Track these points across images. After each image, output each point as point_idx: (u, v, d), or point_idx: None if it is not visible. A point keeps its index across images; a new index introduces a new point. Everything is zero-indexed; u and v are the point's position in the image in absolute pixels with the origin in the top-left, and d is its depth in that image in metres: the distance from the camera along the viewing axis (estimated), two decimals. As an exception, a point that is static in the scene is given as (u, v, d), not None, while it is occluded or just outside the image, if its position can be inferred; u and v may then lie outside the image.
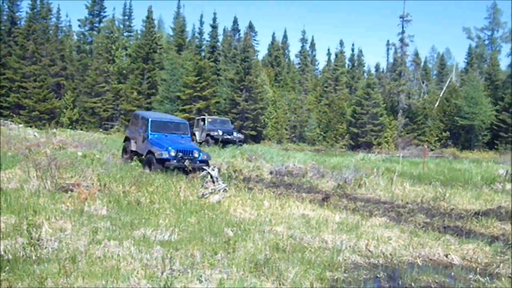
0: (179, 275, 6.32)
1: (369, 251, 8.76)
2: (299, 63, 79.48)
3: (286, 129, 55.06)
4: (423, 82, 67.54)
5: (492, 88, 62.21)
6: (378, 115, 54.56)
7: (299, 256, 7.76)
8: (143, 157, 18.44)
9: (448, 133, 57.17)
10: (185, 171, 16.93)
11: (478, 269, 8.14)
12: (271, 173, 20.18)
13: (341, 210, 12.21)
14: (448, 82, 68.22)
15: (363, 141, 52.60)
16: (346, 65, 73.40)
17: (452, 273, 7.90)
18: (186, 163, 16.94)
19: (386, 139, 54.56)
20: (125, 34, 64.40)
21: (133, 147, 20.08)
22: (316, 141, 53.68)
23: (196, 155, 18.11)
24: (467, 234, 10.76)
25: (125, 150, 21.03)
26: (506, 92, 58.28)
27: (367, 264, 8.20)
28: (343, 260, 8.11)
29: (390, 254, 8.70)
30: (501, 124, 56.43)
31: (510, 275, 7.80)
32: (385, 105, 57.71)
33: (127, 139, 21.21)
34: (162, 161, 17.33)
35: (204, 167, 15.78)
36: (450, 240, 9.77)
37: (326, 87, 65.16)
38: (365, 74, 75.15)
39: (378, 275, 7.61)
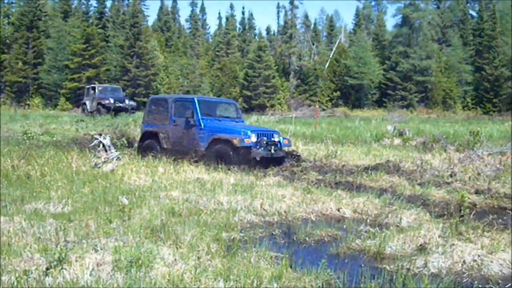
0: (73, 246, 6.20)
1: (264, 210, 8.95)
2: (189, 28, 78.86)
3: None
4: (313, 44, 68.84)
5: (380, 48, 64.39)
6: (270, 78, 55.24)
7: (195, 219, 7.81)
8: (194, 150, 14.23)
9: (338, 92, 58.84)
10: (272, 162, 14.08)
11: (368, 220, 8.51)
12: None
13: (235, 172, 12.35)
14: (337, 43, 69.89)
15: (257, 104, 53.16)
16: (237, 29, 73.67)
17: (344, 226, 8.21)
18: (272, 150, 14.00)
19: (279, 101, 55.45)
20: (6, 1, 61.23)
21: (164, 142, 14.91)
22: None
23: (277, 139, 14.43)
24: (358, 188, 11.17)
25: (148, 148, 15.19)
26: (392, 52, 60.57)
27: (262, 222, 8.39)
28: (239, 220, 8.26)
29: (285, 212, 8.93)
30: (388, 83, 58.71)
31: (398, 224, 8.24)
32: (277, 67, 58.50)
33: (148, 135, 15.65)
34: (244, 151, 13.51)
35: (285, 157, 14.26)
36: (342, 195, 10.12)
37: (218, 51, 65.10)
38: (256, 37, 75.71)
39: (273, 233, 7.79)
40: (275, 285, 5.48)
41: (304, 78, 59.74)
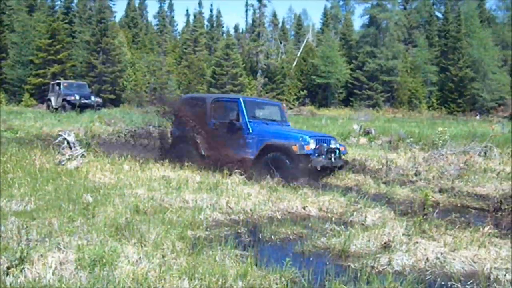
0: (36, 244, 6.11)
1: (230, 208, 8.94)
2: (157, 25, 78.46)
3: (146, 92, 54.28)
4: (281, 43, 69.02)
5: (347, 47, 64.85)
6: (238, 76, 55.24)
7: (160, 217, 7.76)
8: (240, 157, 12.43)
9: (305, 91, 59.12)
10: (332, 171, 12.85)
11: (333, 218, 8.55)
12: (131, 136, 19.90)
13: (202, 170, 12.31)
14: (305, 42, 70.18)
15: (224, 102, 53.10)
16: (205, 26, 73.53)
17: (310, 224, 8.24)
18: (332, 159, 12.50)
19: (246, 99, 55.46)
20: (-32, -6, 60.12)
21: (203, 149, 12.97)
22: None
23: (334, 145, 12.87)
24: (324, 186, 11.25)
25: (183, 155, 13.12)
26: (359, 52, 61.05)
27: (228, 220, 8.38)
28: (204, 218, 8.22)
29: (250, 210, 8.93)
30: (355, 82, 59.18)
31: (362, 222, 8.31)
32: (244, 65, 58.52)
33: (181, 140, 13.70)
34: (303, 159, 11.87)
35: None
36: (308, 193, 10.18)
37: (186, 48, 64.81)
38: (224, 35, 75.61)
39: (239, 231, 7.79)
40: (240, 283, 5.48)
41: (272, 77, 59.87)
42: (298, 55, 65.46)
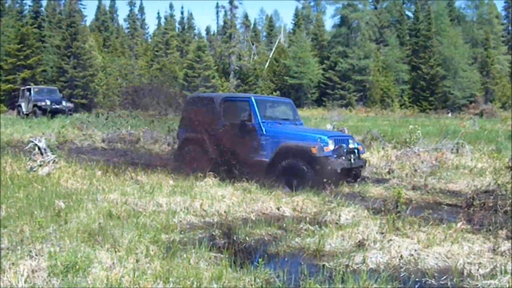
0: (7, 253, 6.03)
1: (204, 210, 8.92)
2: (128, 28, 77.94)
3: (118, 96, 53.87)
4: (253, 44, 69.14)
5: (319, 48, 65.16)
6: (210, 78, 55.23)
7: (133, 222, 7.71)
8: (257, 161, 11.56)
9: (278, 92, 59.24)
10: (351, 173, 11.94)
11: (307, 218, 8.56)
12: (103, 141, 19.81)
13: (176, 173, 12.24)
14: (276, 43, 70.37)
15: (197, 104, 53.00)
16: (177, 29, 73.29)
17: (284, 224, 8.24)
18: (352, 160, 11.56)
19: (219, 101, 55.40)
20: None
21: (212, 152, 12.18)
22: (150, 106, 53.08)
23: (352, 145, 11.96)
24: (297, 187, 11.18)
25: (191, 158, 12.46)
26: (331, 52, 61.37)
27: (202, 223, 8.35)
28: (178, 222, 8.20)
29: (225, 212, 8.92)
30: (327, 82, 59.47)
31: (337, 222, 8.34)
32: (216, 67, 58.55)
33: (190, 142, 12.79)
34: (323, 161, 10.87)
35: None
36: (281, 193, 10.18)
37: (157, 51, 64.57)
38: (195, 37, 75.45)
39: (213, 233, 7.77)
40: (214, 285, 5.47)
41: (244, 78, 59.96)
42: (270, 56, 65.60)
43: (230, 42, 62.21)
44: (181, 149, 13.03)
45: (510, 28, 74.29)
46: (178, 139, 13.70)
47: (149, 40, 79.10)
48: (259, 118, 11.85)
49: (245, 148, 11.78)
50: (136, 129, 21.80)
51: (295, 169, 10.86)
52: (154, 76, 56.93)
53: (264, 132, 11.69)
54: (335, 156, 11.15)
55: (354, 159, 11.55)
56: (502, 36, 69.55)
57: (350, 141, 12.03)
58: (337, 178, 10.94)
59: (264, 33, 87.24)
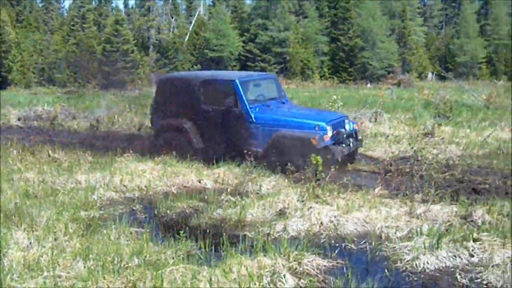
0: None
1: (124, 186, 8.82)
2: (42, 2, 75.16)
3: (34, 73, 52.16)
4: (172, 17, 68.20)
5: (238, 20, 64.86)
6: (129, 52, 54.10)
7: (51, 200, 7.55)
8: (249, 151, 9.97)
9: (199, 65, 58.71)
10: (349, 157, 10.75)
11: (229, 189, 8.58)
12: (19, 119, 19.14)
13: (95, 150, 11.98)
14: (196, 16, 69.63)
15: (116, 79, 51.85)
16: (93, 2, 71.27)
17: (205, 197, 8.25)
18: (351, 144, 10.44)
19: (139, 76, 54.42)
20: None
21: (196, 141, 10.69)
22: (67, 82, 51.72)
23: (348, 126, 10.86)
24: (218, 160, 11.01)
25: (172, 147, 10.82)
26: (251, 24, 61.25)
27: (122, 198, 8.28)
28: (98, 198, 8.10)
29: (145, 186, 8.85)
30: (248, 55, 59.45)
31: (258, 192, 8.41)
32: (135, 41, 57.40)
33: (168, 130, 11.20)
34: (323, 152, 9.41)
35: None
36: (203, 166, 10.13)
37: (73, 25, 62.56)
38: (113, 10, 73.65)
39: (134, 208, 7.72)
40: (136, 260, 5.42)
41: (164, 52, 59.11)
42: (190, 29, 64.89)
43: (149, 16, 61.08)
44: (158, 138, 11.41)
45: (426, 0, 76.31)
46: (152, 125, 12.20)
47: (65, 14, 76.73)
48: (246, 103, 10.43)
49: (233, 137, 10.51)
50: (53, 106, 21.20)
51: (293, 162, 9.27)
52: (70, 52, 55.31)
53: (254, 120, 10.33)
54: (335, 143, 10.10)
55: (352, 143, 10.52)
56: (418, 8, 71.18)
57: (346, 121, 10.95)
58: (337, 165, 9.41)
59: (184, 6, 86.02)
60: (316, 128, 9.84)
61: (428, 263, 5.60)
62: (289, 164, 9.15)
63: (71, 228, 6.40)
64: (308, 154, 8.97)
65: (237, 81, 10.60)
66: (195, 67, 57.88)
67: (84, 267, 5.22)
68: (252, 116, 10.34)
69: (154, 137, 11.70)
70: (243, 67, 58.78)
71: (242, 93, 10.47)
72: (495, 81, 42.66)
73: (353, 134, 10.77)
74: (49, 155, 11.15)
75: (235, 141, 10.44)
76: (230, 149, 10.39)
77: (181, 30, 65.25)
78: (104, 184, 8.81)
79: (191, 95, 11.00)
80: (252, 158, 9.66)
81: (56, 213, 6.78)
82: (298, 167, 9.15)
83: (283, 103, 11.58)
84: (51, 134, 15.02)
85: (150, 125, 12.54)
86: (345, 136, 10.29)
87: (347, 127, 10.71)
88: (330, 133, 9.91)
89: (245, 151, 9.95)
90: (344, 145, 10.20)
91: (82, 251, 5.54)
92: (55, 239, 5.93)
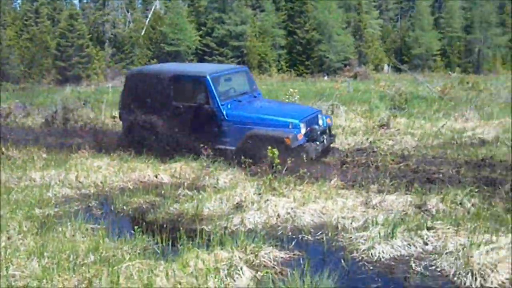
0: None
1: (80, 182, 8.75)
2: (-7, -4, 73.53)
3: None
4: (128, 11, 67.51)
5: (195, 14, 64.57)
6: (84, 47, 53.33)
7: (4, 198, 7.42)
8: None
9: (156, 60, 58.29)
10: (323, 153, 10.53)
11: (186, 184, 8.60)
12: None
13: (49, 147, 11.78)
14: (153, 10, 69.04)
15: (71, 75, 51.11)
16: (47, -4, 70.04)
17: (162, 191, 8.24)
18: (325, 140, 10.25)
19: (95, 71, 53.76)
20: None
21: (165, 139, 10.35)
22: (21, 78, 50.75)
23: (321, 121, 10.64)
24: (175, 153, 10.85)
25: (144, 144, 10.48)
26: (208, 18, 61.08)
27: (78, 195, 8.21)
28: (53, 195, 8.01)
29: (101, 182, 8.79)
30: (205, 49, 59.23)
31: (215, 185, 8.43)
32: (90, 36, 56.64)
33: (137, 126, 10.70)
34: (297, 151, 9.31)
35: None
36: (159, 161, 10.08)
37: (26, 20, 61.34)
38: (67, 5, 72.52)
39: (90, 204, 7.67)
40: (92, 257, 5.38)
41: (120, 46, 58.42)
42: (147, 23, 64.32)
43: (104, 10, 60.34)
44: (128, 135, 11.04)
45: (380, -7, 77.17)
46: (121, 121, 11.77)
47: (18, 8, 75.23)
48: (218, 100, 10.08)
49: (205, 135, 10.12)
50: (7, 102, 20.78)
51: (267, 161, 8.68)
52: (24, 47, 54.27)
53: (226, 117, 10.04)
54: (308, 140, 9.89)
55: (326, 139, 10.37)
56: (374, 1, 71.91)
57: (319, 116, 10.73)
58: (311, 161, 9.38)
59: (140, 0, 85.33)
60: (290, 126, 9.62)
61: (383, 252, 5.71)
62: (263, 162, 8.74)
63: (25, 227, 6.32)
64: (282, 153, 8.65)
65: (208, 77, 10.24)
66: (151, 61, 57.46)
67: (39, 265, 5.16)
68: (224, 113, 10.05)
69: (123, 133, 11.40)
70: (200, 61, 58.60)
71: (213, 90, 10.12)
72: (450, 73, 43.47)
73: (327, 130, 10.62)
74: (2, 153, 10.95)
75: (208, 139, 10.00)
76: (204, 148, 9.71)
77: (137, 24, 64.63)
78: (59, 181, 8.72)
79: (161, 91, 10.61)
80: (208, 152, 9.60)
81: (10, 211, 6.68)
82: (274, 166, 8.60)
83: (255, 97, 11.37)
84: (5, 131, 14.72)
85: (119, 119, 12.00)
86: (319, 133, 10.06)
87: (320, 122, 10.52)
88: (303, 131, 9.73)
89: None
90: (318, 142, 9.98)
91: (36, 249, 5.47)
92: (9, 238, 5.84)
